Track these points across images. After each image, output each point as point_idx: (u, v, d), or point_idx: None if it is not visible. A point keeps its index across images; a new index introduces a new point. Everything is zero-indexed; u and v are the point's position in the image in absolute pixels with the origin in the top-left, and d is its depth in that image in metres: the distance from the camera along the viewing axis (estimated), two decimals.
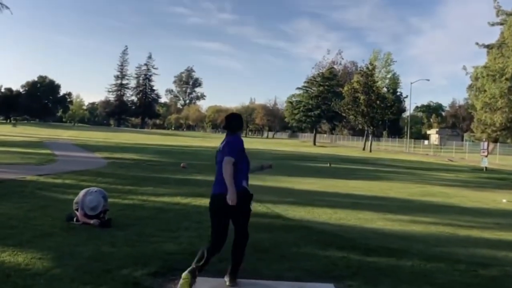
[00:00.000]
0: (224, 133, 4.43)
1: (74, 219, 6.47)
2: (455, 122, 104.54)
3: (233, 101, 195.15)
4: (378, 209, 9.29)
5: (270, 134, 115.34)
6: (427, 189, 14.00)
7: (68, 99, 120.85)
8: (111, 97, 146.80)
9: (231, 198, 3.97)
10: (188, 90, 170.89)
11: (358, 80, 54.53)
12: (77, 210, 6.49)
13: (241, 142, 4.24)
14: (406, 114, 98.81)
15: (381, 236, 6.67)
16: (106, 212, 6.60)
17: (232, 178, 4.01)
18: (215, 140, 63.14)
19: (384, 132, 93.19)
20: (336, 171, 19.27)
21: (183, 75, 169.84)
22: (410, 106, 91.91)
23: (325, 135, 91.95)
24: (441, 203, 10.84)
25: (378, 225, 7.62)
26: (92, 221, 6.31)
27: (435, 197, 12.03)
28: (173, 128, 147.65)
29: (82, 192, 6.68)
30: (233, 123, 4.38)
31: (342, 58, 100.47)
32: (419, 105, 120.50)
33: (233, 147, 4.15)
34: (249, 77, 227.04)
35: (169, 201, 8.77)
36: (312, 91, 74.13)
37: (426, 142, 74.32)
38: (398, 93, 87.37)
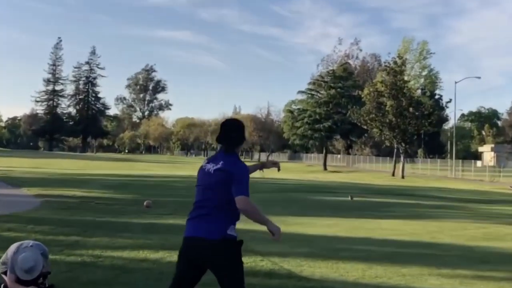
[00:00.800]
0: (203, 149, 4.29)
1: (1, 287, 6.27)
2: None
3: (210, 111, 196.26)
4: (428, 260, 9.23)
5: (263, 155, 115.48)
6: (491, 230, 14.01)
7: None
8: (40, 110, 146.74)
9: (277, 235, 4.05)
10: (148, 97, 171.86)
11: (383, 79, 55.12)
12: (5, 273, 6.29)
13: (248, 169, 4.16)
14: (449, 125, 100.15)
15: None
16: (47, 276, 6.39)
17: (262, 213, 4.07)
18: (187, 167, 62.82)
19: (420, 151, 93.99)
20: (361, 206, 19.35)
21: (140, 76, 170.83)
22: (455, 114, 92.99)
23: (338, 156, 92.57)
24: None
25: (432, 284, 7.54)
26: None
27: (504, 241, 12.02)
28: (127, 151, 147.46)
29: (11, 248, 6.45)
30: (234, 134, 4.25)
31: (360, 50, 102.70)
32: (466, 112, 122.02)
33: (244, 179, 4.05)
34: (231, 77, 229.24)
35: (132, 256, 8.68)
36: (319, 95, 74.93)
37: (478, 163, 74.98)
38: (437, 97, 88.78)
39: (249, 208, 3.98)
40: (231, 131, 4.26)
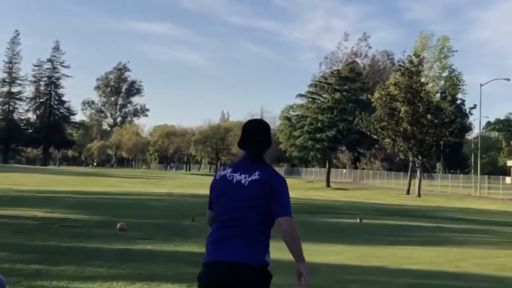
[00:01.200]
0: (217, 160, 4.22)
1: None
2: None
3: (193, 118, 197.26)
4: None
5: None
6: None
7: None
8: None
9: (306, 280, 3.89)
10: (120, 101, 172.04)
11: (397, 81, 55.34)
12: None
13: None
14: (474, 134, 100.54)
15: None
16: None
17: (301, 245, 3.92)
18: (167, 182, 62.67)
19: (439, 165, 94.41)
20: (373, 230, 19.40)
21: (111, 76, 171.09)
22: (480, 122, 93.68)
23: (344, 170, 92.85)
24: None
25: None
26: None
27: None
28: (95, 164, 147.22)
29: None
30: (260, 138, 4.10)
31: (369, 47, 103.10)
32: (493, 120, 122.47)
33: (287, 195, 3.94)
34: (218, 78, 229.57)
35: None
36: (322, 99, 75.11)
37: (507, 179, 75.20)
38: (460, 102, 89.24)
39: (295, 232, 3.86)
40: (256, 134, 4.10)
